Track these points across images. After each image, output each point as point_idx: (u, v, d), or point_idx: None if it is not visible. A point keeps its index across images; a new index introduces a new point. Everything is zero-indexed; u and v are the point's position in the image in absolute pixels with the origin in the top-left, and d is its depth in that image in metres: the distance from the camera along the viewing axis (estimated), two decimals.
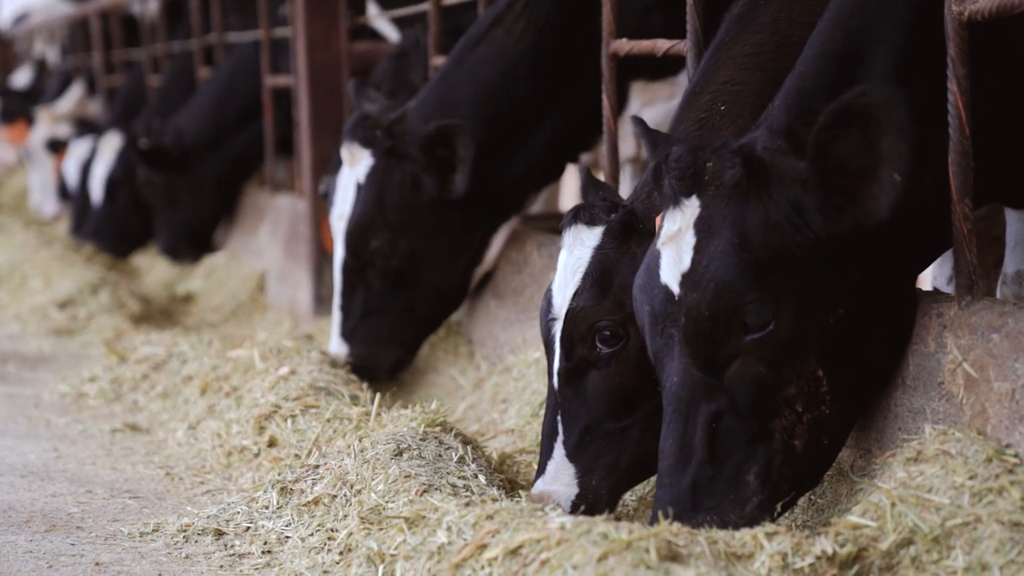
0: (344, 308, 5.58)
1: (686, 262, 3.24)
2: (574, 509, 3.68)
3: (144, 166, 9.32)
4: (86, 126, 11.76)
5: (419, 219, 5.44)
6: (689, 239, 3.25)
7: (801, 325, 3.20)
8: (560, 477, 3.74)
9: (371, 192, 5.43)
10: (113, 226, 10.31)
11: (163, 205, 9.49)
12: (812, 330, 3.21)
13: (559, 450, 3.75)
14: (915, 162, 3.22)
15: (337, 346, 5.58)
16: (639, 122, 3.66)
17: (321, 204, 6.93)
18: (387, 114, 5.54)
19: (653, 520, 3.21)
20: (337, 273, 5.59)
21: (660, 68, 5.52)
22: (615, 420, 3.73)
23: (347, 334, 5.57)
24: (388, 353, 5.61)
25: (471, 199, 5.40)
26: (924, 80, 3.31)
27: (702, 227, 3.24)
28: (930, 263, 3.54)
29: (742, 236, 3.20)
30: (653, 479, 3.85)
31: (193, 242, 9.58)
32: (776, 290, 3.19)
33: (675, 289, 3.25)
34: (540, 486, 3.75)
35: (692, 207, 3.26)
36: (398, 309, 5.56)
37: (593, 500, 3.71)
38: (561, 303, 3.77)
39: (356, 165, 5.47)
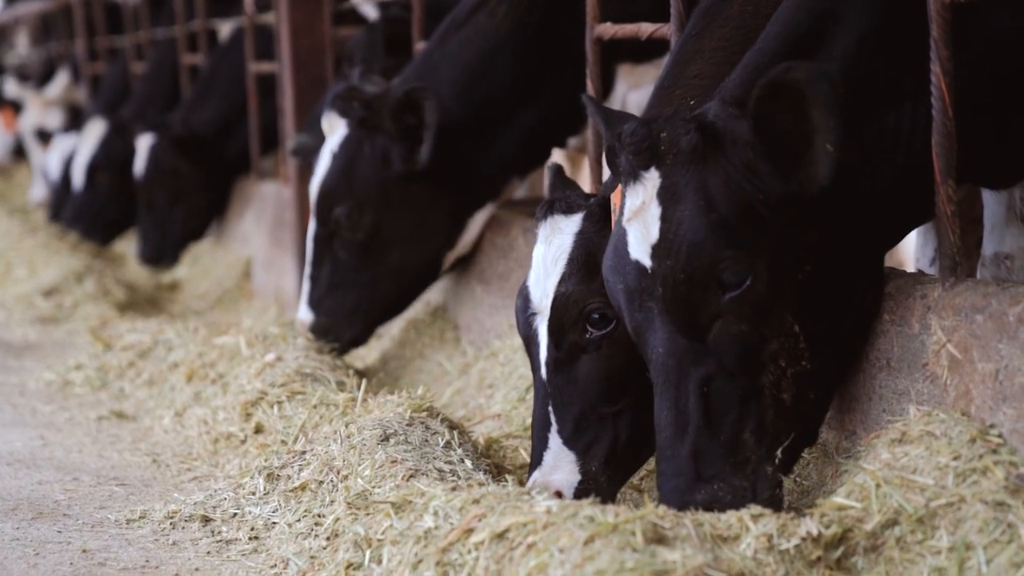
0: (313, 277, 5.60)
1: (654, 233, 3.24)
2: (578, 497, 3.55)
3: (175, 158, 8.89)
4: (75, 118, 11.66)
5: (386, 193, 5.42)
6: (654, 210, 3.24)
7: (776, 280, 3.22)
8: (560, 465, 3.67)
9: (341, 161, 5.44)
10: (93, 212, 10.22)
11: (166, 203, 9.08)
12: (785, 286, 3.23)
13: (555, 439, 3.68)
14: (887, 142, 3.24)
15: (304, 313, 5.59)
16: (590, 100, 3.64)
17: (305, 191, 6.92)
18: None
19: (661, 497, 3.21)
20: (308, 242, 5.60)
21: (645, 51, 5.51)
22: (609, 403, 3.68)
23: (314, 303, 5.58)
24: (350, 327, 5.60)
25: (443, 178, 5.39)
26: (889, 62, 3.32)
27: (666, 196, 3.24)
28: (903, 237, 3.56)
29: (707, 198, 3.21)
30: (648, 465, 3.85)
31: (182, 245, 9.24)
32: (748, 247, 3.20)
33: (647, 262, 3.25)
34: (538, 476, 3.66)
35: (652, 179, 3.26)
36: (363, 283, 5.55)
37: (594, 488, 3.63)
38: (541, 296, 3.74)
39: (333, 134, 5.48)
